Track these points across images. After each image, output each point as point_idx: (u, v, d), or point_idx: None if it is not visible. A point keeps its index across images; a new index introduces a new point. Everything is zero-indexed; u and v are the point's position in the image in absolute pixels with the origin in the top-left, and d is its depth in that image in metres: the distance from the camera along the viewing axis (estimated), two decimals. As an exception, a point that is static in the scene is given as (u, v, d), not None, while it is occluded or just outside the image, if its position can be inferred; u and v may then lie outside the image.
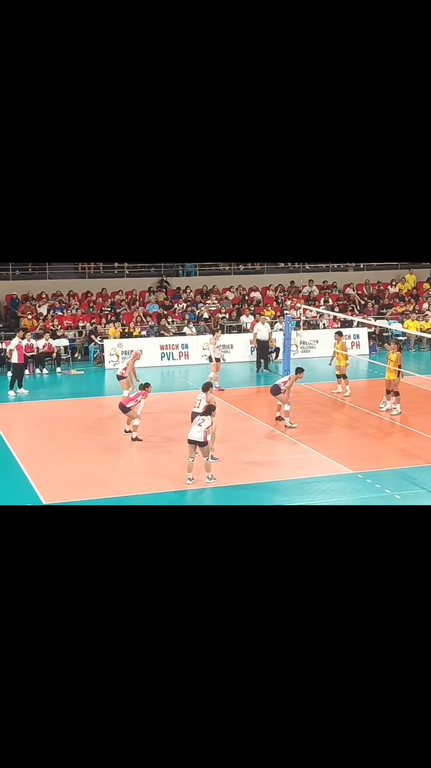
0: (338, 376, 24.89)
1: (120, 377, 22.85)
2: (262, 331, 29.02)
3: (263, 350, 29.08)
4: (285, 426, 21.15)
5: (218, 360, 26.09)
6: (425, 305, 35.68)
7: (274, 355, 29.71)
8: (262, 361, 28.99)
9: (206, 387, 18.90)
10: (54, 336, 29.44)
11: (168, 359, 30.03)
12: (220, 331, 27.79)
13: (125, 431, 20.44)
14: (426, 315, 34.63)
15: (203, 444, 16.78)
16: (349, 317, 31.43)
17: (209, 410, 17.05)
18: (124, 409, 19.88)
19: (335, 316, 32.31)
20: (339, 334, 25.81)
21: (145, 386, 19.90)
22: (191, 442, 16.84)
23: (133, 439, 19.94)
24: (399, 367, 22.33)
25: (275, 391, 21.22)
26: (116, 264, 34.81)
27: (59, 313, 31.69)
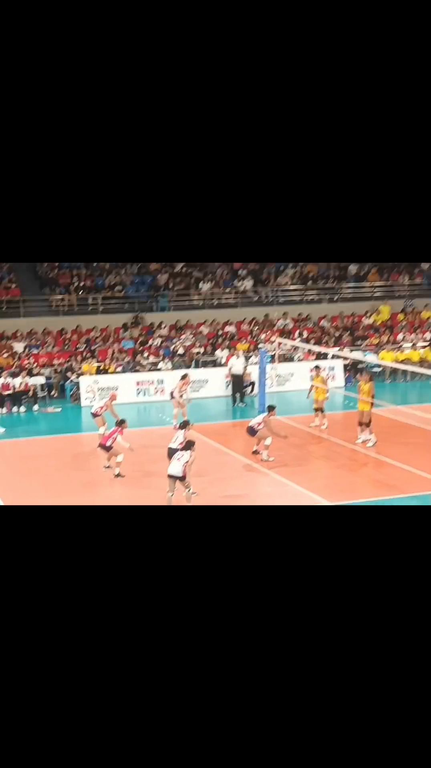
0: (315, 410, 24.98)
1: (95, 415, 22.85)
2: (237, 365, 29.12)
3: (239, 384, 29.13)
4: (262, 459, 21.23)
5: (181, 397, 25.38)
6: (400, 336, 35.90)
7: (249, 389, 29.76)
8: (237, 395, 29.05)
9: (184, 425, 18.99)
10: (30, 374, 29.43)
11: (144, 395, 30.03)
12: (188, 377, 26.90)
13: (105, 467, 20.44)
14: (401, 346, 34.85)
15: (182, 478, 16.88)
16: (324, 350, 31.56)
17: (189, 445, 17.18)
18: (104, 448, 19.93)
19: (310, 349, 32.43)
20: (317, 368, 25.95)
21: (120, 423, 19.94)
22: (170, 476, 16.98)
23: (116, 476, 19.93)
24: (372, 397, 22.46)
25: (251, 432, 21.37)
26: (90, 300, 34.89)
27: (35, 351, 31.69)
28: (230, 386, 29.57)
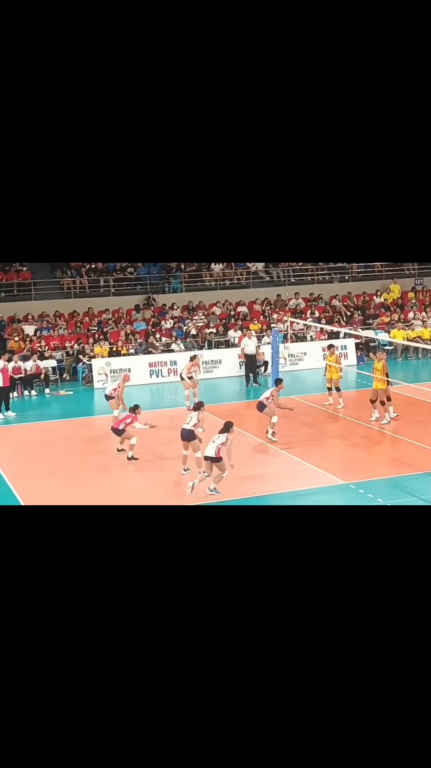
0: (329, 389, 24.94)
1: (108, 397, 22.83)
2: (249, 345, 29.10)
3: (252, 364, 29.13)
4: (267, 437, 21.21)
5: (190, 378, 25.50)
6: (410, 314, 35.83)
7: (263, 368, 29.74)
8: (251, 375, 29.05)
9: (198, 406, 18.98)
10: (42, 357, 29.41)
11: (157, 376, 30.04)
12: (198, 358, 27.13)
13: (118, 449, 20.44)
14: (412, 324, 34.81)
15: (217, 460, 16.92)
16: (336, 329, 31.51)
17: (227, 427, 17.22)
18: (117, 432, 19.92)
19: (322, 328, 32.40)
20: (331, 346, 25.93)
21: (134, 409, 19.91)
22: (206, 458, 17.12)
23: (129, 459, 19.92)
24: (386, 375, 22.44)
25: (260, 407, 21.38)
26: (102, 282, 34.85)
27: (46, 334, 31.68)
28: (243, 366, 29.56)
